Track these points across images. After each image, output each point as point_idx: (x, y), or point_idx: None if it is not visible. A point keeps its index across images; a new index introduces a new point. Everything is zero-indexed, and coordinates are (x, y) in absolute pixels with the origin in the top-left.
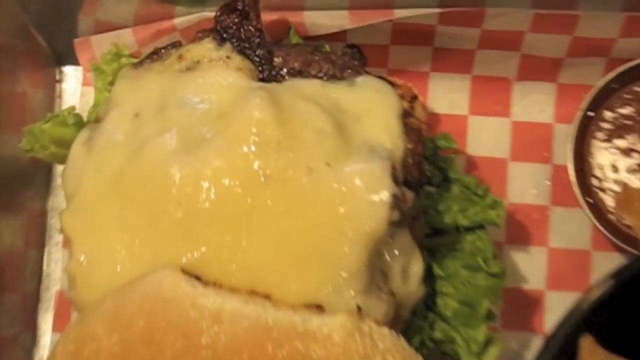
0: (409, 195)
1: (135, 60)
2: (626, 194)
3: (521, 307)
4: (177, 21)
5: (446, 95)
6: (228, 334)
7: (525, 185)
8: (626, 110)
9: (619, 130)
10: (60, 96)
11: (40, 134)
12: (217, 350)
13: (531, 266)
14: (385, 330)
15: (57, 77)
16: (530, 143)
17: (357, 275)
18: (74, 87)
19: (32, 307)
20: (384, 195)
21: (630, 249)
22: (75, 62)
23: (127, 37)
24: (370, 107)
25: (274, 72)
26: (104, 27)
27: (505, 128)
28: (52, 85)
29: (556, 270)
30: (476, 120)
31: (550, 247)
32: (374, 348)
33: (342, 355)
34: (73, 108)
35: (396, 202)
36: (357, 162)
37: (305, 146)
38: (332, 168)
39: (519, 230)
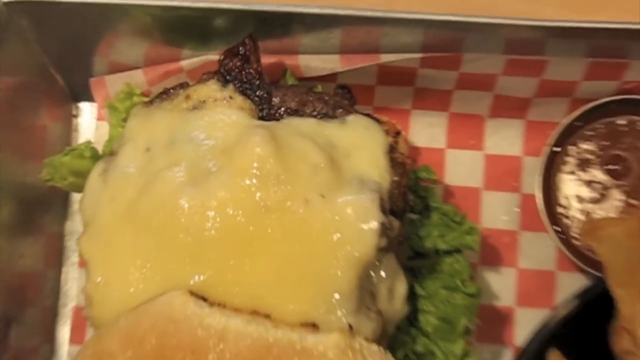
0: (395, 223)
1: (146, 99)
2: (591, 223)
3: (494, 322)
4: (184, 63)
5: (426, 131)
6: (232, 351)
7: (496, 212)
8: (588, 146)
9: (582, 163)
10: (76, 130)
11: (59, 166)
12: None
13: (502, 285)
14: (374, 347)
15: (74, 112)
16: (501, 174)
17: (348, 296)
18: (89, 121)
19: (51, 321)
20: (373, 224)
21: (592, 270)
22: (90, 99)
23: (138, 77)
24: (360, 143)
25: (272, 111)
26: (117, 68)
27: (478, 160)
28: (69, 120)
29: (525, 289)
30: (453, 153)
31: (520, 268)
32: None
33: None
34: (89, 142)
35: (384, 230)
36: (348, 193)
37: (301, 179)
38: (326, 199)
39: (492, 253)
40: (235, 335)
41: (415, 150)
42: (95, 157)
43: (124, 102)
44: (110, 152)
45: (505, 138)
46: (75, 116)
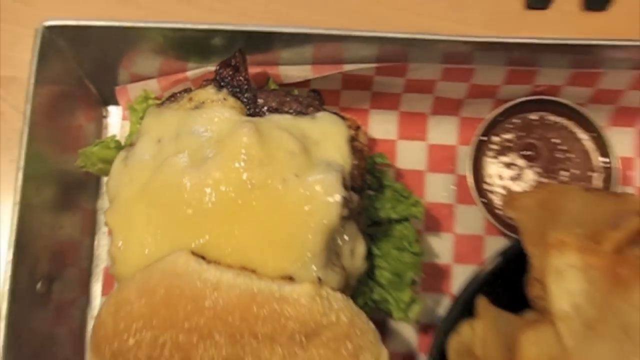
0: (355, 197)
1: (158, 102)
2: (509, 196)
3: (435, 275)
4: (189, 73)
5: (381, 126)
6: (225, 299)
7: (437, 190)
8: (508, 136)
9: (503, 150)
10: (106, 128)
11: (90, 155)
12: (217, 311)
13: (442, 247)
14: (339, 295)
15: (104, 114)
16: (441, 159)
17: (318, 255)
18: (116, 121)
19: (86, 279)
20: (337, 197)
21: (511, 234)
22: (116, 103)
23: (153, 85)
24: (327, 134)
25: (257, 110)
26: (136, 78)
27: (423, 149)
28: (100, 120)
29: (459, 249)
30: (402, 143)
31: (456, 233)
32: (330, 308)
33: (307, 313)
34: (114, 136)
35: (346, 202)
36: (317, 173)
37: (279, 162)
38: (299, 178)
39: (433, 221)
40: (227, 286)
41: (372, 141)
42: (119, 147)
43: (141, 104)
44: (130, 144)
45: (444, 131)
46: (105, 117)
